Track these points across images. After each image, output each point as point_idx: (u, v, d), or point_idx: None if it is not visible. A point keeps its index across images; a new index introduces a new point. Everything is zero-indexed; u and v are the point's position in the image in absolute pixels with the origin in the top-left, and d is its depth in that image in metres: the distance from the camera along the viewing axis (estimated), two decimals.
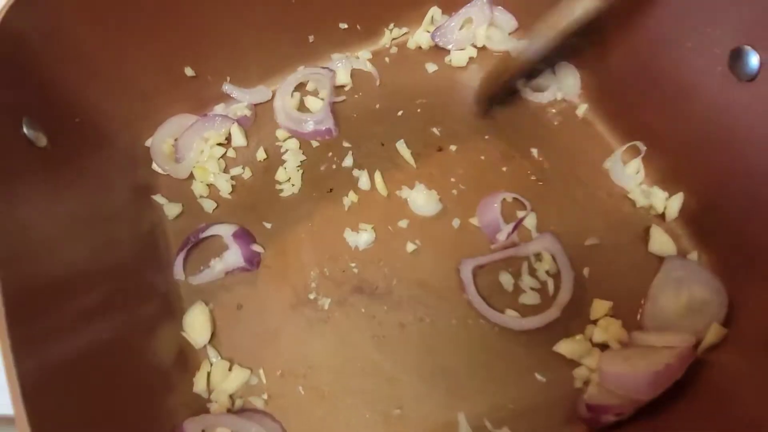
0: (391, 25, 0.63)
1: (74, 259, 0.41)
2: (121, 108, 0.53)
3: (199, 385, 0.44)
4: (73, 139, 0.47)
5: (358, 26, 0.61)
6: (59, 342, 0.35)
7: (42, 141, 0.41)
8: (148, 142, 0.56)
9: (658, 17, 0.47)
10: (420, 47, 0.63)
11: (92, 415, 0.35)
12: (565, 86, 0.58)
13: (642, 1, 0.47)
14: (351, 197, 0.53)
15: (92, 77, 0.49)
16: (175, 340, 0.47)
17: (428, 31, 0.63)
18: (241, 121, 0.58)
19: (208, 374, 0.45)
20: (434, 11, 0.63)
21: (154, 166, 0.56)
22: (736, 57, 0.41)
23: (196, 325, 0.46)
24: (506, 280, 0.48)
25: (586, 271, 0.48)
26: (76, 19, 0.45)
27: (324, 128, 0.57)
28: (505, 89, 0.57)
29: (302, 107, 0.59)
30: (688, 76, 0.46)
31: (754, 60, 0.40)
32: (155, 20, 0.50)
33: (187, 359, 0.46)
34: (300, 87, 0.60)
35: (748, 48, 0.40)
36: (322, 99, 0.59)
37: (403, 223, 0.51)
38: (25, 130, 0.39)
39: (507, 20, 0.62)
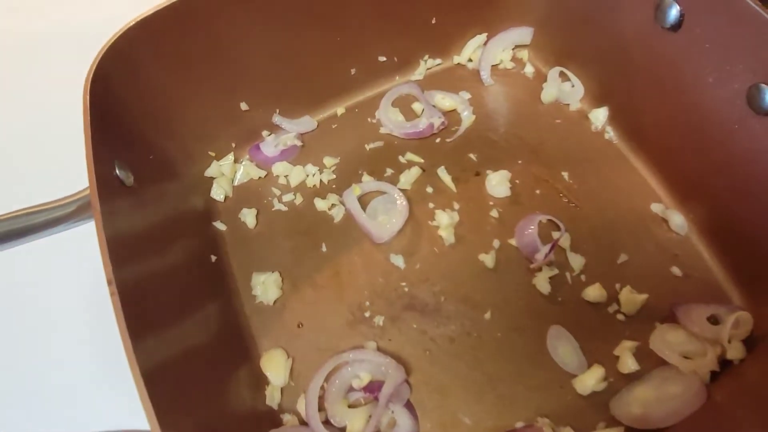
0: (426, 57, 0.68)
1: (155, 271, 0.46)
2: (185, 143, 0.57)
3: (272, 398, 0.49)
4: (150, 174, 0.51)
5: (395, 58, 0.66)
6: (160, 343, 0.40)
7: (130, 180, 0.46)
8: (208, 172, 0.61)
9: (682, 53, 0.51)
10: (455, 75, 0.68)
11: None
12: (593, 113, 0.62)
13: (666, 36, 0.52)
14: None
15: (162, 118, 0.54)
16: (245, 356, 0.51)
17: (463, 63, 0.68)
18: (290, 150, 0.63)
19: (282, 389, 0.49)
20: (473, 41, 0.68)
21: (212, 194, 0.60)
22: (754, 93, 0.46)
23: (276, 368, 0.50)
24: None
25: (617, 287, 0.52)
26: (153, 68, 0.50)
27: (440, 121, 0.63)
28: None
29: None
30: (710, 108, 0.50)
31: None
32: (214, 64, 0.55)
33: (256, 374, 0.50)
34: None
35: (764, 86, 0.45)
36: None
37: (446, 245, 0.56)
38: (117, 172, 0.44)
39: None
